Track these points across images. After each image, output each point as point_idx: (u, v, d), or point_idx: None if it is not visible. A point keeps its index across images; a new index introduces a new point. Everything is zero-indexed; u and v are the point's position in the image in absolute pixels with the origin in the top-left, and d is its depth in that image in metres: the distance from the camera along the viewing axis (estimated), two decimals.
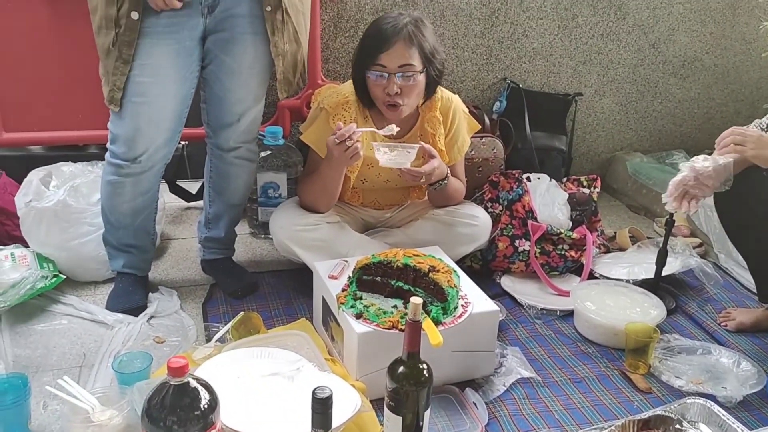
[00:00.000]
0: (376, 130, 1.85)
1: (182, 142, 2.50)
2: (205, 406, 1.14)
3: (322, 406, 1.07)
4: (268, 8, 1.75)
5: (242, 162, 2.00)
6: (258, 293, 2.05)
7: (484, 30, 2.65)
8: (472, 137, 2.29)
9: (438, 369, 1.58)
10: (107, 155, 1.81)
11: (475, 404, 1.57)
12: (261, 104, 1.95)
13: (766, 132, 1.80)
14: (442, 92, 2.04)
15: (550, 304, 2.01)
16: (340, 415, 1.31)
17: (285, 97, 1.93)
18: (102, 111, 1.80)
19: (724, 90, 3.01)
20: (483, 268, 2.18)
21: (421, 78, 1.88)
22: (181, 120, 1.84)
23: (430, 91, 1.95)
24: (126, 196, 1.85)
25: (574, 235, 2.18)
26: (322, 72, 2.49)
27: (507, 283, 2.13)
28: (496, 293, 2.08)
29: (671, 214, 2.01)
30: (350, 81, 2.00)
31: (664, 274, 2.07)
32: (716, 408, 1.51)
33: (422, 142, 1.91)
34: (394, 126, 1.84)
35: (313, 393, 1.08)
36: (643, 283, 2.06)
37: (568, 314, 1.97)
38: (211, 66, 1.82)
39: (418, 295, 1.61)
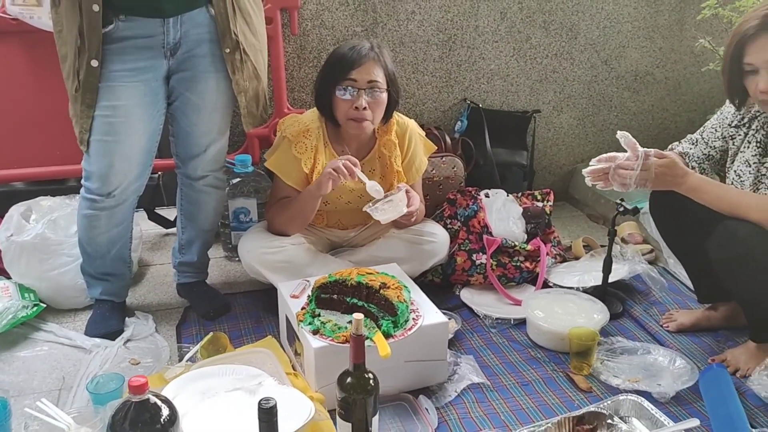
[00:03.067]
0: (359, 175, 1.96)
1: (158, 172, 2.63)
2: (165, 420, 1.26)
3: (266, 415, 1.19)
4: (227, 50, 1.89)
5: (211, 190, 2.12)
6: (230, 314, 2.17)
7: (442, 54, 2.79)
8: (432, 157, 2.44)
9: (393, 378, 1.72)
10: (82, 191, 1.94)
11: (427, 410, 1.69)
12: (226, 136, 2.09)
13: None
14: (398, 116, 2.18)
15: (504, 313, 2.14)
16: (293, 423, 1.43)
17: (249, 129, 2.07)
18: (78, 147, 1.93)
19: (677, 101, 3.15)
20: (444, 281, 2.31)
21: (385, 96, 2.02)
22: (151, 155, 1.97)
23: (389, 112, 2.09)
24: (101, 228, 1.97)
25: (529, 247, 2.31)
26: (288, 101, 2.63)
27: (466, 295, 2.25)
28: (455, 305, 2.21)
29: (614, 227, 2.15)
30: (312, 110, 2.14)
31: (612, 280, 2.20)
32: (646, 403, 1.63)
33: (401, 184, 2.04)
34: (376, 184, 1.98)
35: (259, 404, 1.20)
36: (594, 290, 2.19)
37: (521, 322, 2.09)
38: (177, 102, 1.95)
39: (371, 311, 1.73)
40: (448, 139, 2.71)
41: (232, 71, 1.91)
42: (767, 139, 1.80)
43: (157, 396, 1.28)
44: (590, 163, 1.78)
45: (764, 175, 1.80)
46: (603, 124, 3.12)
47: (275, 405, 1.19)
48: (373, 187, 1.98)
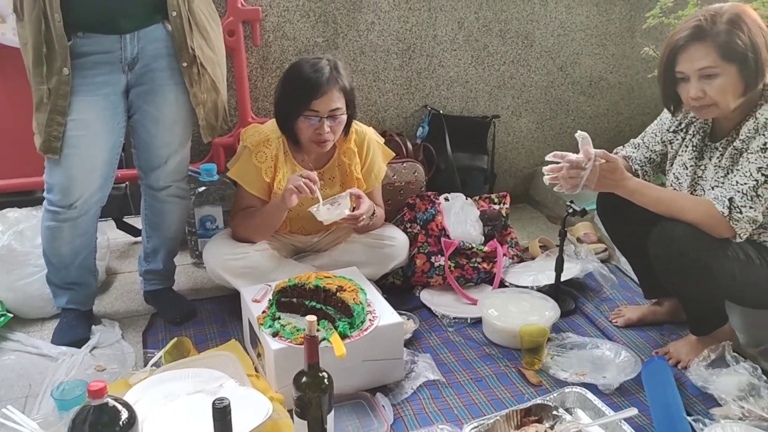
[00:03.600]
0: (322, 198, 2.02)
1: (125, 182, 2.67)
2: (124, 423, 1.31)
3: (220, 414, 1.25)
4: (184, 64, 1.95)
5: (174, 199, 2.18)
6: (196, 319, 2.23)
7: (402, 63, 2.87)
8: (394, 162, 2.53)
9: (351, 377, 1.79)
10: (45, 203, 1.99)
11: (383, 407, 1.77)
12: (187, 147, 2.14)
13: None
14: (357, 125, 2.25)
15: (462, 313, 2.22)
16: (252, 422, 1.50)
17: (209, 140, 2.13)
18: (42, 158, 1.97)
19: (630, 105, 3.27)
20: (404, 283, 2.39)
21: (345, 117, 2.09)
22: (113, 166, 2.02)
23: (348, 126, 2.16)
24: (65, 239, 2.02)
25: (486, 248, 2.40)
26: (252, 110, 2.69)
27: (426, 296, 2.33)
28: (415, 306, 2.29)
29: (565, 228, 2.24)
30: (273, 120, 2.20)
31: (565, 278, 2.29)
32: (590, 395, 1.72)
33: (351, 189, 2.11)
34: (323, 209, 2.02)
35: (213, 404, 1.26)
36: (548, 288, 2.28)
37: (478, 321, 2.17)
38: (136, 116, 2.01)
39: (328, 313, 1.81)
40: (409, 145, 2.80)
41: (189, 84, 1.98)
42: (702, 143, 1.91)
43: (116, 400, 1.33)
44: (546, 158, 1.86)
45: (700, 177, 1.90)
46: (561, 127, 3.23)
47: (228, 404, 1.26)
48: (317, 211, 2.02)
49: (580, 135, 1.79)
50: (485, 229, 2.48)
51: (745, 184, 1.71)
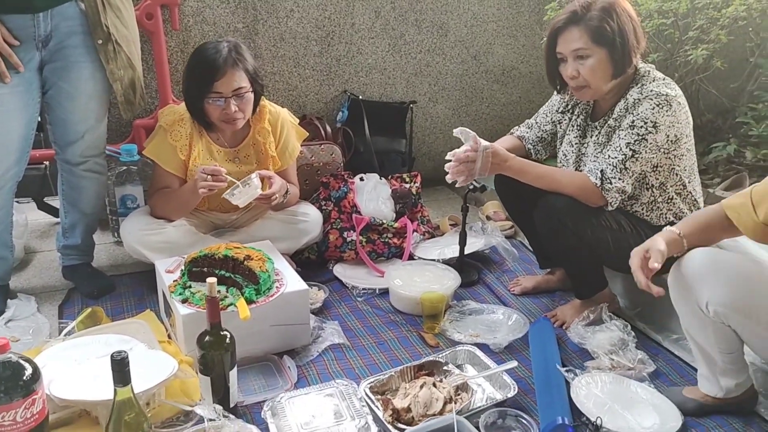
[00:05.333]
0: (237, 182, 2.09)
1: (44, 162, 2.70)
2: (28, 378, 1.39)
3: (118, 365, 1.34)
4: (99, 41, 2.01)
5: (91, 175, 2.24)
6: (114, 293, 2.29)
7: (321, 50, 2.98)
8: (312, 144, 2.64)
9: (260, 341, 1.90)
10: None
11: (289, 368, 1.88)
12: (103, 123, 2.20)
13: None
14: (271, 106, 2.35)
15: (371, 284, 2.35)
16: (158, 378, 1.59)
17: (129, 116, 2.20)
18: None
19: (541, 93, 3.46)
20: (319, 258, 2.50)
21: (251, 94, 2.18)
22: (28, 141, 2.06)
23: (256, 102, 2.25)
24: None
25: (397, 224, 2.54)
26: (174, 93, 2.75)
27: (339, 270, 2.45)
28: (328, 278, 2.41)
29: (467, 204, 2.40)
30: None
31: (469, 251, 2.45)
32: (479, 352, 1.89)
33: (260, 171, 2.18)
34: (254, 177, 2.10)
35: (111, 356, 1.35)
36: (453, 261, 2.44)
37: (385, 292, 2.31)
38: (51, 92, 2.05)
39: (236, 280, 1.91)
40: (328, 128, 2.92)
41: (106, 61, 2.04)
42: (585, 123, 2.09)
43: (19, 356, 1.40)
44: (445, 158, 1.99)
45: (584, 154, 2.08)
46: (476, 114, 3.40)
47: (126, 356, 1.34)
48: (231, 196, 2.10)
49: (460, 131, 1.95)
50: (397, 207, 2.62)
51: (615, 157, 1.89)
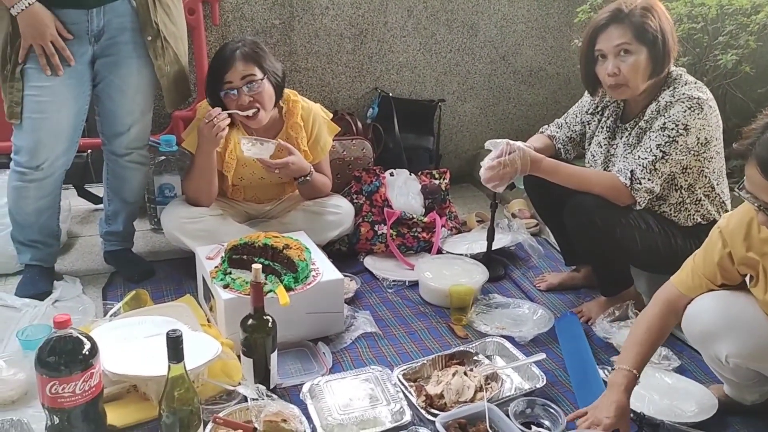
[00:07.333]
0: (239, 112, 2.21)
1: (87, 150, 2.80)
2: (86, 352, 1.47)
3: (173, 343, 1.42)
4: (149, 38, 2.10)
5: (135, 165, 2.33)
6: (153, 278, 2.38)
7: (354, 47, 3.06)
8: (344, 139, 2.72)
9: (296, 328, 1.98)
10: (12, 164, 2.12)
11: (324, 354, 1.96)
12: (148, 116, 2.29)
13: None
14: (304, 102, 2.43)
15: (401, 276, 2.42)
16: (203, 359, 1.67)
17: (173, 110, 2.29)
18: (8, 125, 2.09)
19: (567, 95, 3.51)
20: (349, 250, 2.58)
21: (267, 85, 2.24)
22: (78, 131, 2.16)
23: (278, 94, 2.32)
24: (30, 199, 2.15)
25: (426, 219, 2.61)
26: None
27: (369, 262, 2.53)
28: (359, 270, 2.49)
29: (496, 201, 2.46)
30: None
31: (496, 247, 2.52)
32: (508, 344, 1.95)
33: (280, 140, 2.28)
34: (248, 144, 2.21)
35: (167, 334, 1.43)
36: (481, 256, 2.50)
37: (415, 284, 2.38)
38: (102, 85, 2.15)
39: (275, 268, 1.98)
40: (359, 124, 2.99)
41: (154, 57, 2.13)
42: (615, 124, 2.14)
43: (79, 332, 1.49)
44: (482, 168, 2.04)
45: (613, 155, 2.13)
46: (503, 113, 3.46)
47: (181, 335, 1.43)
48: (242, 142, 2.22)
49: (489, 143, 2.04)
50: (426, 202, 2.69)
51: (646, 158, 1.94)
